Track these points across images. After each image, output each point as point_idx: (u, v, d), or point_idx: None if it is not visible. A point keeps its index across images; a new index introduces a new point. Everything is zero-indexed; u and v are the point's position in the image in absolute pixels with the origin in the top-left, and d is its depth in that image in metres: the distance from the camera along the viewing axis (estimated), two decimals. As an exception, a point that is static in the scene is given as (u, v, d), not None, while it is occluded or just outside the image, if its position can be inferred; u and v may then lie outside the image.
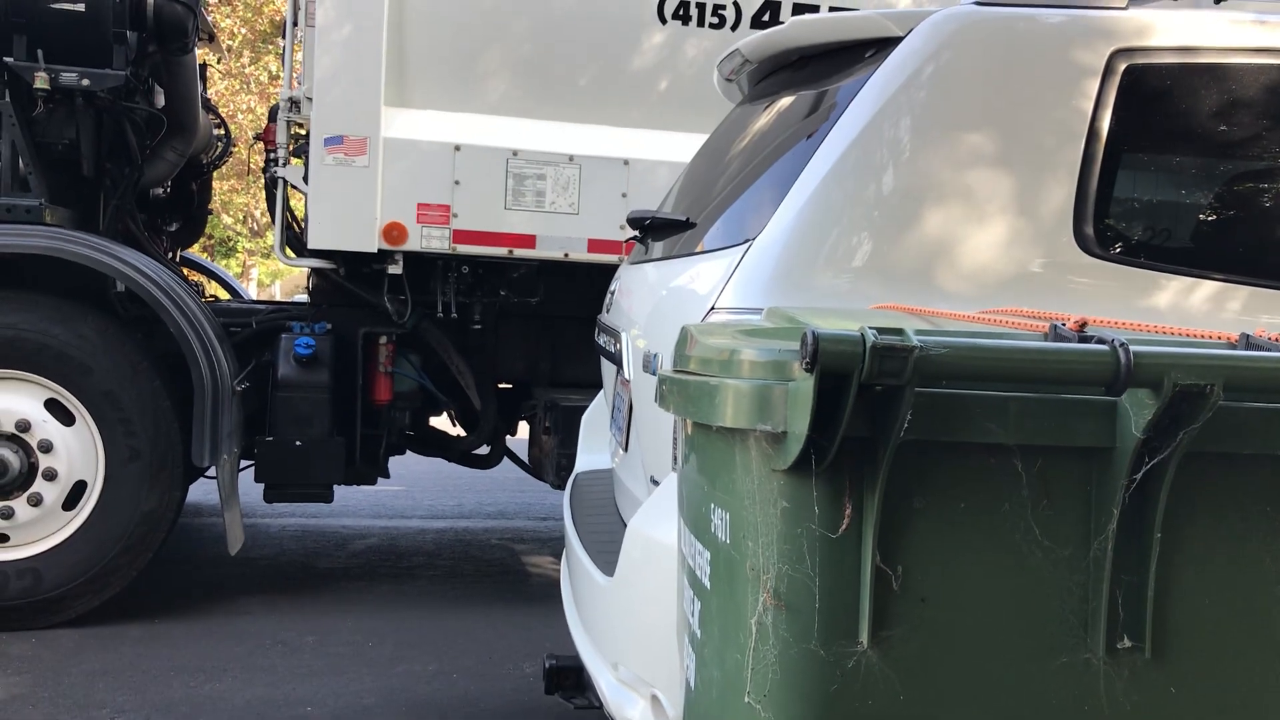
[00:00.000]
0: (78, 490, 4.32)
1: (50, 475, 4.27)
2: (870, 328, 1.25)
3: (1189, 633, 1.44)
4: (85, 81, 4.47)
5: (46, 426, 4.28)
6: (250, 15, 15.74)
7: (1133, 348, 1.28)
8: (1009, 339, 1.39)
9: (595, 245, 4.80)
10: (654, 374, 2.40)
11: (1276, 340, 1.39)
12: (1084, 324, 1.41)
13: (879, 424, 1.32)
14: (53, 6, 4.44)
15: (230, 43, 15.22)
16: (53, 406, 4.30)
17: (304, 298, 5.83)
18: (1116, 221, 2.44)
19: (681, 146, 4.32)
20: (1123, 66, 2.33)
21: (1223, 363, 1.30)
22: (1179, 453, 1.34)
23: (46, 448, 4.27)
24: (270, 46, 15.64)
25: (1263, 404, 1.38)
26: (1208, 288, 2.30)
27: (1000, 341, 1.33)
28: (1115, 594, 1.40)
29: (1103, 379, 1.29)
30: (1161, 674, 1.43)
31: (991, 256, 2.26)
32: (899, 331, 1.25)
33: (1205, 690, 1.45)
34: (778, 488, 1.39)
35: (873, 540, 1.36)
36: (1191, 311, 2.28)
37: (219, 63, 13.53)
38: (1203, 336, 1.52)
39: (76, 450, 4.30)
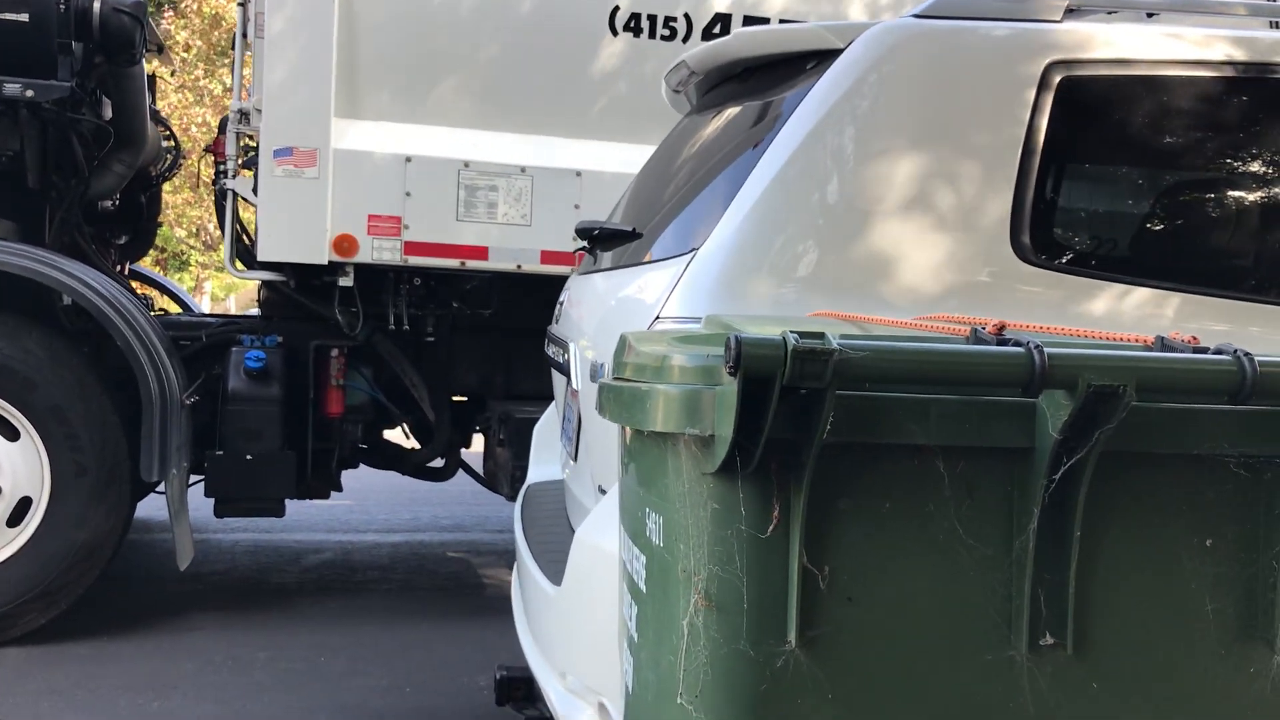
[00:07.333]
0: (22, 507, 4.26)
1: (-7, 492, 4.21)
2: (792, 332, 1.27)
3: (1109, 629, 1.46)
4: (30, 93, 4.42)
5: (-11, 443, 4.22)
6: (205, 27, 15.61)
7: (1047, 350, 1.30)
8: (930, 343, 1.42)
9: (548, 257, 4.81)
10: (602, 383, 2.41)
11: (1191, 342, 1.42)
12: (1002, 327, 1.44)
13: (803, 426, 1.34)
14: (-5, 17, 4.39)
15: (184, 55, 15.08)
16: (-4, 422, 4.24)
17: (256, 311, 5.79)
18: (1054, 230, 2.48)
19: (635, 157, 4.30)
20: (1059, 78, 2.36)
21: (1134, 364, 1.33)
22: (1095, 452, 1.37)
23: (-10, 464, 4.21)
24: (225, 60, 15.50)
25: (1175, 404, 1.42)
26: (1144, 294, 2.34)
27: (918, 345, 1.35)
28: (1037, 592, 1.42)
29: (1019, 380, 1.32)
30: (1083, 670, 1.46)
31: (932, 265, 2.29)
32: (819, 335, 1.27)
33: (1126, 685, 1.47)
34: (707, 490, 1.41)
35: (800, 541, 1.38)
36: (1127, 318, 2.32)
37: (171, 75, 13.39)
38: (1121, 339, 1.55)
39: (21, 466, 4.24)
